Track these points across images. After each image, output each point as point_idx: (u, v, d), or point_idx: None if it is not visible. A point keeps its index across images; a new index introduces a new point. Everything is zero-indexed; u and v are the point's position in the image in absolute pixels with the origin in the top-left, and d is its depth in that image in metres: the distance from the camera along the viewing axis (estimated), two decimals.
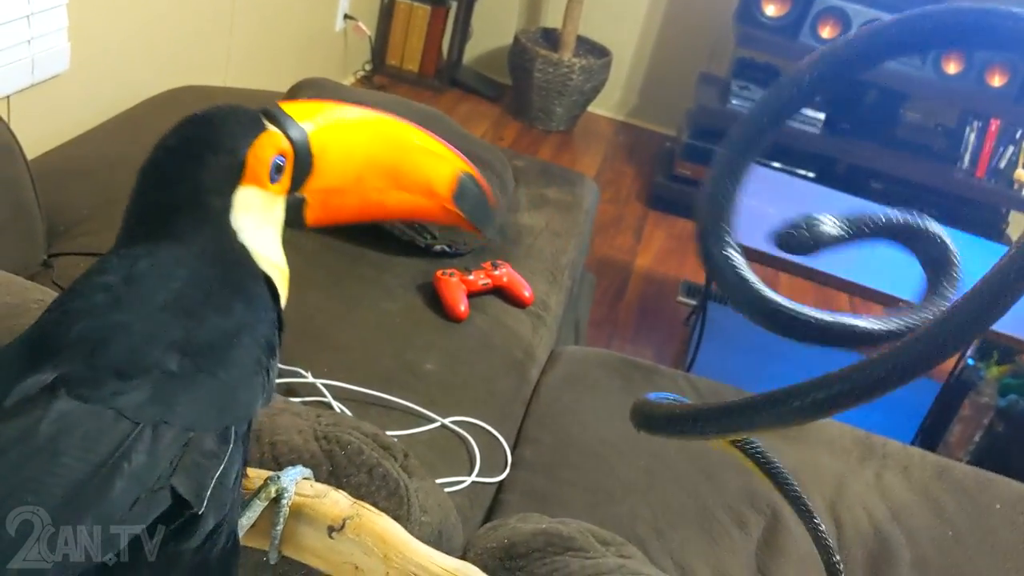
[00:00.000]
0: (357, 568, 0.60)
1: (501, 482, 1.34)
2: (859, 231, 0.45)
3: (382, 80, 3.76)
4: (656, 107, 4.01)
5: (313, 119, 0.68)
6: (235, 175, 0.63)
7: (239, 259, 0.63)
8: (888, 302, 2.19)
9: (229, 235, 0.63)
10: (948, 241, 0.46)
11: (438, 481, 1.14)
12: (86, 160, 1.69)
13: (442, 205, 0.77)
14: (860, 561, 1.35)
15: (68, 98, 1.87)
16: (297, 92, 1.90)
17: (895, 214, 0.46)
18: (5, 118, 1.45)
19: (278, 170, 0.65)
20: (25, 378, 0.52)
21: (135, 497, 0.50)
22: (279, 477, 0.62)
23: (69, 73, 1.83)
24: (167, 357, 0.54)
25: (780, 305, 0.46)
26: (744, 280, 0.46)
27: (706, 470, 1.42)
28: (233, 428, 0.57)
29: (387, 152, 0.73)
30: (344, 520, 0.60)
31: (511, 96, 3.87)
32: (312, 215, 0.71)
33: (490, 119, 3.75)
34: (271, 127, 0.66)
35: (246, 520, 0.60)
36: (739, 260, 0.47)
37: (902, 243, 0.45)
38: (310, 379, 1.32)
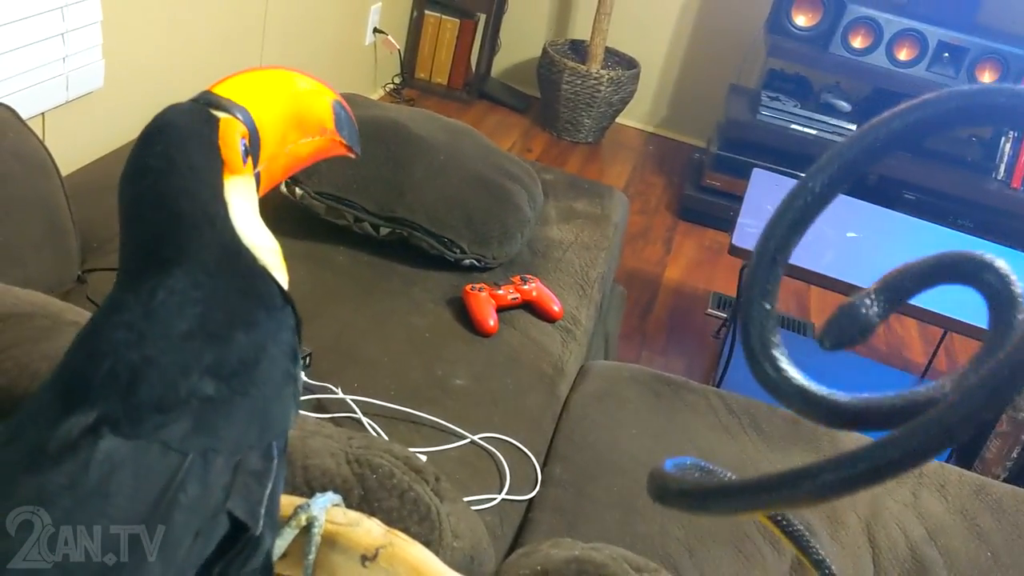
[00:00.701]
0: None
1: (531, 500, 1.33)
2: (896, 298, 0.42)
3: (411, 93, 3.77)
4: (685, 118, 4.00)
5: (242, 94, 0.68)
6: (219, 171, 0.63)
7: (248, 263, 0.63)
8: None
9: (233, 236, 0.62)
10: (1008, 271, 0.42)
11: (468, 499, 1.13)
12: (119, 176, 1.71)
13: (331, 138, 0.78)
14: None
15: (102, 115, 1.89)
16: None
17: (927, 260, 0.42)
18: (40, 135, 1.46)
19: (246, 152, 0.65)
20: (61, 422, 0.52)
21: (196, 528, 0.50)
22: (309, 506, 0.62)
23: (103, 90, 1.85)
24: (202, 384, 0.54)
25: (838, 401, 0.43)
26: (802, 388, 0.44)
27: None
28: (274, 444, 0.57)
29: (290, 105, 0.74)
30: (377, 549, 0.59)
31: (539, 108, 3.87)
32: (260, 188, 0.71)
33: (518, 131, 3.76)
34: (221, 114, 0.65)
35: (276, 548, 0.60)
36: (791, 369, 0.45)
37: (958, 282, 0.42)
38: (340, 395, 1.32)
